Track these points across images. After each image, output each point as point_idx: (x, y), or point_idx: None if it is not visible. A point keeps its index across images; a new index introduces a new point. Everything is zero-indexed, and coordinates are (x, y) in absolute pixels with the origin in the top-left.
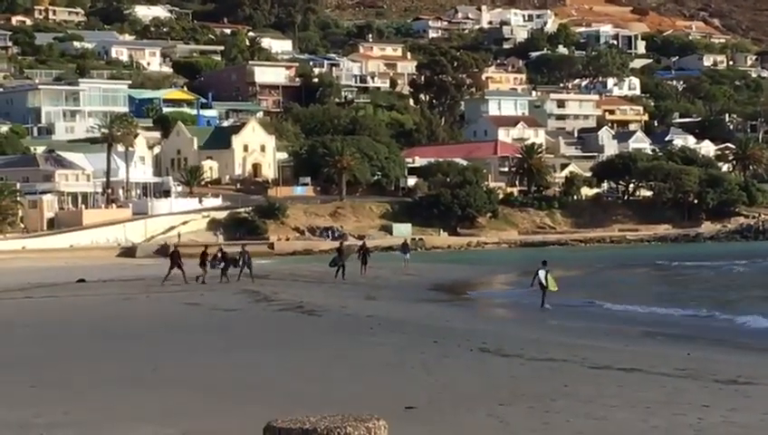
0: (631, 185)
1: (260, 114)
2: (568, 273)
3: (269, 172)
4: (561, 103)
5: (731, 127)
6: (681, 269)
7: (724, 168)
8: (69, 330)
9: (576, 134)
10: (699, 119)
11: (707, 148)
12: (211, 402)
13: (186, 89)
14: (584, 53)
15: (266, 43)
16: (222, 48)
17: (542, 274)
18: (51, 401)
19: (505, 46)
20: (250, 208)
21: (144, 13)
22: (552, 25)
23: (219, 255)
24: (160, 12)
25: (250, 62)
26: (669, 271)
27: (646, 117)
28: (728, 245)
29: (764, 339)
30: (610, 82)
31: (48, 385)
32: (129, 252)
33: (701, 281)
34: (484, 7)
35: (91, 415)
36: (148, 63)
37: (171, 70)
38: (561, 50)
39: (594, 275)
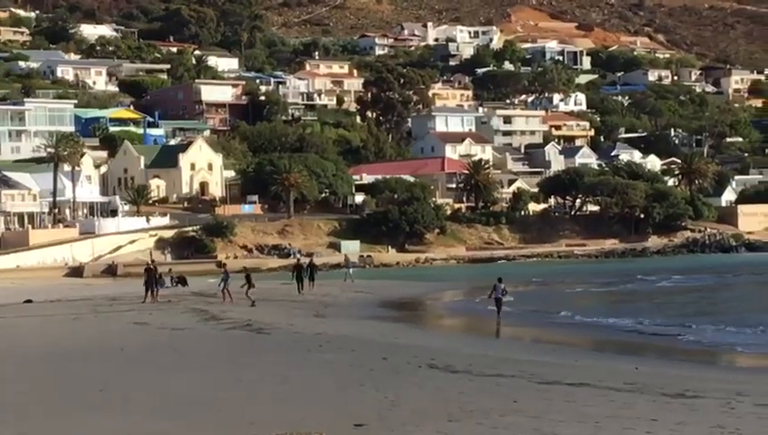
0: (578, 200)
1: (207, 133)
2: (515, 288)
3: (216, 190)
4: (507, 119)
5: (676, 141)
6: (631, 284)
7: (670, 182)
8: (14, 351)
9: (523, 150)
10: (645, 134)
11: (653, 162)
12: (161, 423)
13: (132, 108)
14: (530, 68)
15: (213, 61)
16: (168, 67)
17: (498, 288)
18: None
19: (452, 63)
20: (198, 227)
21: (90, 32)
22: (497, 42)
23: (156, 273)
24: (106, 31)
25: (196, 80)
26: (618, 286)
27: (592, 132)
28: (674, 259)
29: (710, 352)
30: (556, 97)
31: None
32: (76, 272)
33: (647, 295)
34: (430, 24)
35: None
36: (94, 83)
37: (117, 89)
38: (508, 66)
39: (541, 290)
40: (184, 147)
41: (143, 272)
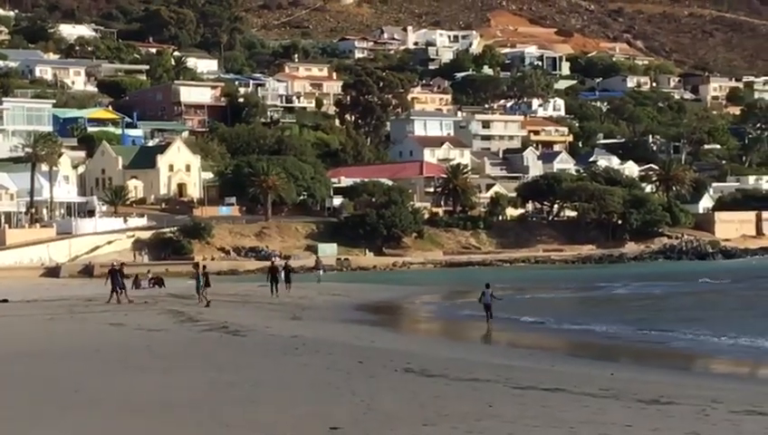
0: (556, 205)
1: (185, 134)
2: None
3: (194, 192)
4: (486, 124)
5: (654, 148)
6: (605, 290)
7: (648, 188)
8: None
9: (501, 155)
10: (623, 140)
11: (631, 169)
12: (135, 423)
13: (111, 108)
14: (509, 73)
15: (192, 62)
16: (147, 67)
17: (487, 294)
18: None
19: (431, 67)
20: (175, 228)
21: (69, 32)
22: (477, 46)
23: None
24: (85, 31)
25: (175, 81)
26: (593, 291)
27: (570, 138)
28: (649, 265)
29: (685, 358)
30: (535, 102)
31: None
32: (53, 272)
33: (626, 301)
34: (409, 28)
35: None
36: (73, 82)
37: (96, 89)
38: (487, 71)
39: (519, 295)
40: (162, 148)
41: (107, 273)
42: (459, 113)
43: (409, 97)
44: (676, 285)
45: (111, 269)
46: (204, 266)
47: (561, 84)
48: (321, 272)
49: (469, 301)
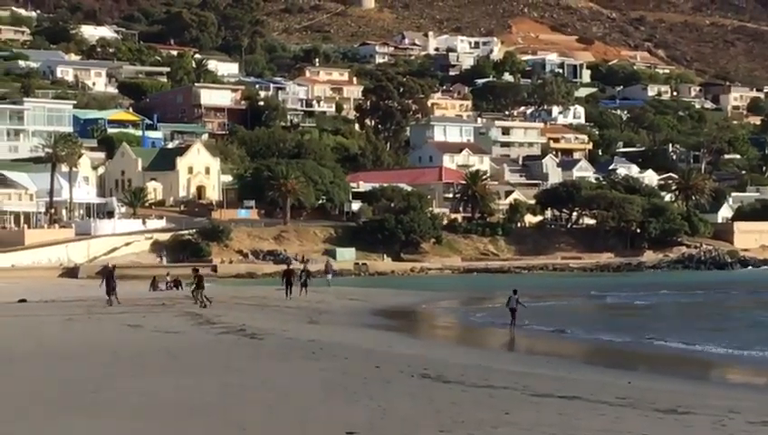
0: (575, 213)
1: (205, 136)
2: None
3: (213, 195)
4: (506, 131)
5: (674, 157)
6: (622, 298)
7: (667, 197)
8: (8, 351)
9: (521, 162)
10: (643, 148)
11: (650, 177)
12: (150, 425)
13: (131, 110)
14: (530, 80)
15: (213, 65)
16: (168, 70)
17: (513, 299)
18: None
19: (451, 73)
20: (194, 231)
21: (90, 33)
22: (498, 53)
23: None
24: (107, 32)
25: (196, 84)
26: (611, 300)
27: (590, 146)
28: (669, 274)
29: (702, 366)
30: (555, 110)
31: None
32: (71, 272)
33: (643, 309)
34: (430, 34)
35: None
36: (94, 84)
37: (117, 90)
38: (507, 77)
39: (537, 302)
40: (182, 150)
41: (102, 275)
42: (479, 120)
43: (429, 103)
44: (697, 293)
45: (106, 271)
46: (197, 270)
47: (582, 92)
48: (330, 276)
49: (486, 307)
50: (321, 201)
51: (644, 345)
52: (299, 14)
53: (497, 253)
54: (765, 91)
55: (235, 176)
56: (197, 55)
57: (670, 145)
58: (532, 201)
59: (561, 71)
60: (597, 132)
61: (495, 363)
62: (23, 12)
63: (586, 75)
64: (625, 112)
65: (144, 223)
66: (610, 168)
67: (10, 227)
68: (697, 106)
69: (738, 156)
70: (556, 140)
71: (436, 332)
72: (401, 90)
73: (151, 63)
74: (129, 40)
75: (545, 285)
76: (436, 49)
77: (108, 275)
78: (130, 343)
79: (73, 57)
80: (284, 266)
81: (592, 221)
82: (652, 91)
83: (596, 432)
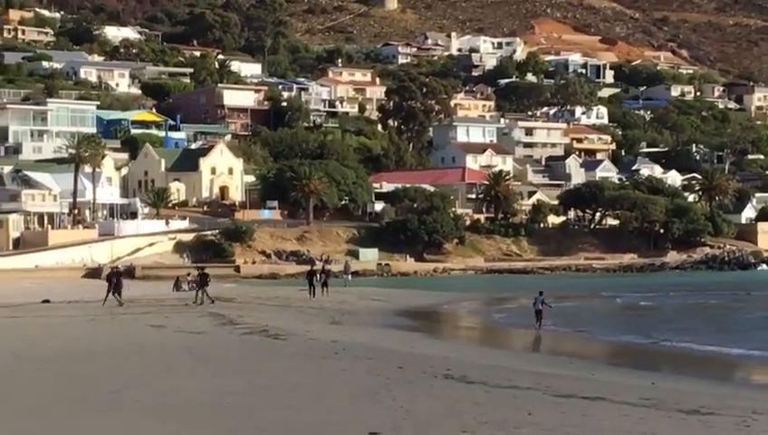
0: (598, 213)
1: (228, 137)
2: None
3: (236, 195)
4: (529, 131)
5: (697, 157)
6: (648, 299)
7: (691, 198)
8: (30, 351)
9: (543, 162)
10: (666, 149)
11: (674, 178)
12: (171, 425)
13: (154, 110)
14: (553, 81)
15: (236, 66)
16: (191, 70)
17: (538, 300)
18: (3, 422)
19: (474, 73)
20: (217, 231)
21: (114, 34)
22: (521, 53)
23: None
24: (130, 33)
25: (219, 84)
26: (635, 300)
27: (613, 146)
28: (693, 274)
29: (725, 367)
30: (578, 110)
31: (3, 406)
32: (94, 273)
33: (667, 310)
34: (453, 34)
35: None
36: (117, 84)
37: (140, 91)
38: (530, 78)
39: (560, 303)
40: (205, 151)
41: (106, 277)
42: (502, 120)
43: (452, 103)
44: (723, 294)
45: (114, 273)
46: (201, 268)
47: (605, 92)
48: (349, 277)
49: (509, 307)
50: (343, 202)
51: (667, 346)
52: (322, 14)
53: (520, 253)
54: None
55: (257, 176)
56: (220, 56)
57: (694, 145)
58: (555, 202)
59: (584, 71)
60: (620, 133)
61: (518, 364)
62: (46, 13)
63: (609, 76)
64: (648, 113)
65: (167, 223)
66: (634, 168)
67: (34, 228)
68: (721, 106)
69: (762, 156)
70: (579, 141)
71: (459, 332)
72: (424, 90)
73: (174, 64)
74: (152, 41)
75: (568, 285)
76: (459, 49)
77: (113, 276)
78: (153, 343)
79: (97, 58)
80: (308, 267)
81: (615, 222)
82: (675, 91)
83: (619, 433)
